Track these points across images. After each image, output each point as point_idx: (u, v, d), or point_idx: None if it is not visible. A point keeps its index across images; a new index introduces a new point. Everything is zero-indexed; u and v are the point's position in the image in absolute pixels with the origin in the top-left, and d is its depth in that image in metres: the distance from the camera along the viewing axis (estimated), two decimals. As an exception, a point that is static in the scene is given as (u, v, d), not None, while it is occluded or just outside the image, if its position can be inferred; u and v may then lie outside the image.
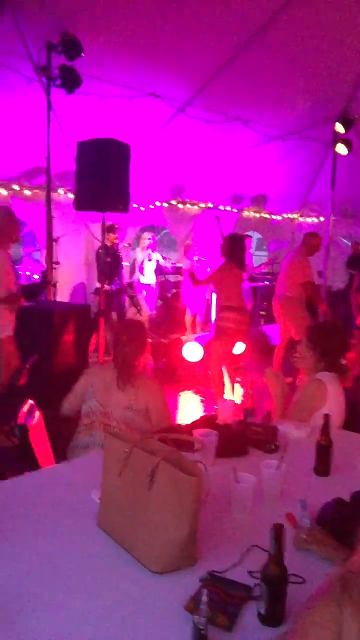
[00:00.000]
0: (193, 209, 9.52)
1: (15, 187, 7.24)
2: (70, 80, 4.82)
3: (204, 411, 5.42)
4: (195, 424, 2.25)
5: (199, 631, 1.09)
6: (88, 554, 1.43)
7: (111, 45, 4.93)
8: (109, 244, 6.73)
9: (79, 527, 1.55)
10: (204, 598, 1.09)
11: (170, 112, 6.22)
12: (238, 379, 5.25)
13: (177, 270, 8.89)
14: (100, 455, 1.59)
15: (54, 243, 5.67)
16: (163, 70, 5.37)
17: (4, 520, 1.57)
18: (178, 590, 1.28)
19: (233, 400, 2.37)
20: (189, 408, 5.53)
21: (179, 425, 2.41)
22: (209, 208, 9.64)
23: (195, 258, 8.17)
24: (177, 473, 1.32)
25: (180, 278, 8.71)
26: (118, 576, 1.34)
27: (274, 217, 10.54)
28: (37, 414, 2.42)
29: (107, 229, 6.69)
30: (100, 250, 6.82)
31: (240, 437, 2.11)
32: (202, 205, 9.55)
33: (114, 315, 7.02)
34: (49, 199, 5.30)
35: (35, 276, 7.28)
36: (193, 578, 1.32)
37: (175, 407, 5.47)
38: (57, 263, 6.60)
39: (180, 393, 5.88)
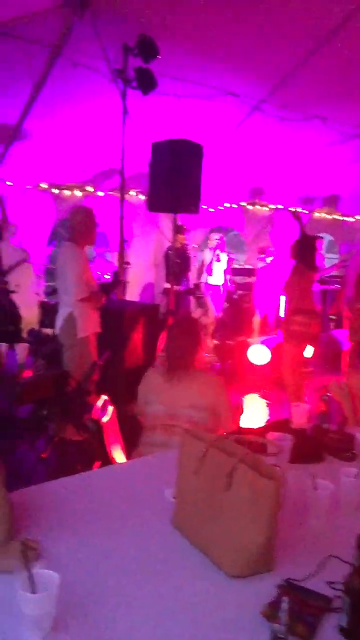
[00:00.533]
0: (262, 210, 9.42)
1: (89, 188, 7.46)
2: (146, 83, 4.88)
3: (270, 415, 5.34)
4: (267, 427, 2.21)
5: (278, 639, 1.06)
6: (162, 553, 1.42)
7: (187, 46, 4.94)
8: (178, 244, 6.78)
9: (153, 525, 1.55)
10: (285, 606, 1.06)
11: (245, 110, 6.17)
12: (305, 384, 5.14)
13: (249, 272, 8.82)
14: (174, 454, 1.58)
15: (125, 244, 5.77)
16: (239, 68, 5.33)
17: (77, 514, 1.59)
18: (254, 596, 1.25)
19: (308, 405, 2.31)
20: (255, 411, 5.46)
21: (250, 428, 2.38)
22: (279, 209, 9.51)
23: (268, 260, 8.08)
24: (256, 476, 1.30)
25: (249, 279, 8.64)
26: (192, 577, 1.33)
27: (346, 218, 10.25)
28: (111, 409, 2.46)
29: (175, 231, 6.74)
30: (170, 251, 6.90)
31: (315, 443, 2.05)
32: (272, 206, 9.43)
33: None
34: (122, 201, 5.39)
35: (107, 276, 7.45)
36: (269, 584, 1.29)
37: (240, 410, 5.42)
38: (128, 263, 6.72)
39: (246, 396, 5.82)
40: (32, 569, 1.09)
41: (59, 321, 4.11)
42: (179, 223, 6.68)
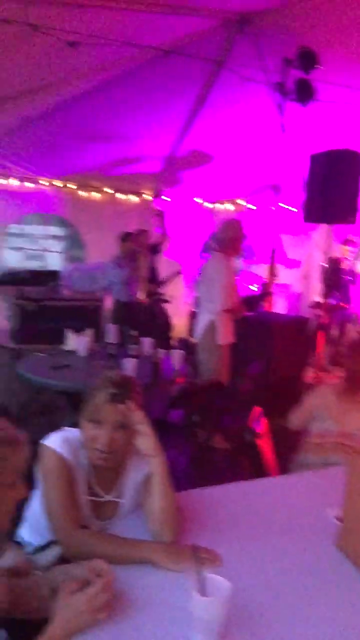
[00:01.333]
0: None
1: (241, 202, 7.55)
2: (305, 94, 4.81)
3: None
4: None
5: None
6: (327, 575, 1.36)
7: (350, 52, 4.78)
8: (339, 255, 6.57)
9: (314, 543, 1.49)
10: None
11: None
12: None
13: None
14: (336, 471, 1.51)
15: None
16: None
17: (233, 523, 1.58)
18: None
19: None
20: None
21: None
22: None
23: None
24: None
25: None
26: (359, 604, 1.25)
27: None
28: (264, 421, 2.44)
29: (343, 242, 6.53)
30: (325, 264, 6.69)
31: None
32: None
33: (334, 331, 6.78)
34: (276, 214, 5.37)
35: (253, 287, 7.45)
36: None
37: None
38: (276, 275, 6.66)
39: None
40: (204, 573, 1.10)
41: (199, 329, 4.20)
42: (345, 236, 6.47)
